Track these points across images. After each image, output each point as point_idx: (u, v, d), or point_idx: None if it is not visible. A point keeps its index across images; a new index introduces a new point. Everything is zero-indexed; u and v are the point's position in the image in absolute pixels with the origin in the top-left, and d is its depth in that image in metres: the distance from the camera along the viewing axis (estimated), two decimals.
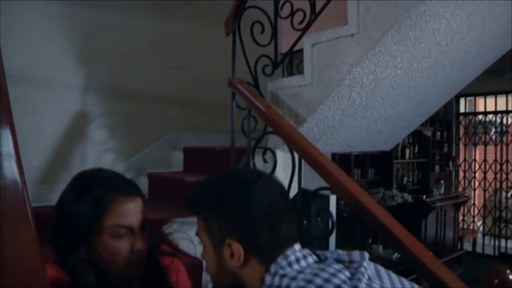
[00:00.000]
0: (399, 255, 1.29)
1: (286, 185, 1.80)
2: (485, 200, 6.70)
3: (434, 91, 2.50)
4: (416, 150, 6.66)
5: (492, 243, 6.37)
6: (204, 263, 1.02)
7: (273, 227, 0.90)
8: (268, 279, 0.86)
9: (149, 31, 2.96)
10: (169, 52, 3.07)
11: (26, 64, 2.41)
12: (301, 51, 2.10)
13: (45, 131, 2.54)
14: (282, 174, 2.14)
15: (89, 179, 1.00)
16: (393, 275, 0.94)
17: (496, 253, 6.22)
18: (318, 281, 0.79)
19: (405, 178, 6.37)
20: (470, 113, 7.03)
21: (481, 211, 6.69)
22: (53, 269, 0.96)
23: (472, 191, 6.84)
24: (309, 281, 0.79)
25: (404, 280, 0.95)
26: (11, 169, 0.76)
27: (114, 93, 2.81)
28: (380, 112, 2.34)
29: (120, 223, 0.96)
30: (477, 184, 6.76)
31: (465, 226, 6.85)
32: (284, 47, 2.31)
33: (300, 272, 0.84)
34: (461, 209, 6.46)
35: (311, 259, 0.89)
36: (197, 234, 0.97)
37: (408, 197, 4.98)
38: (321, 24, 2.03)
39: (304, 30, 2.01)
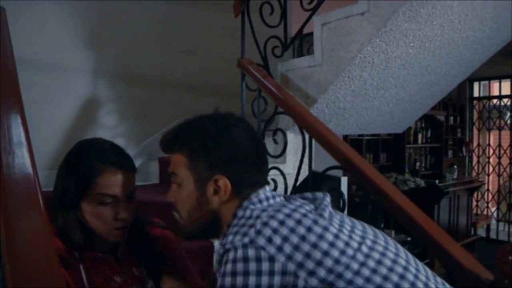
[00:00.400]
0: (412, 234, 1.28)
1: (296, 167, 1.80)
2: (499, 185, 6.61)
3: (447, 71, 2.45)
4: (429, 135, 6.57)
5: (506, 229, 6.31)
6: (183, 217, 1.00)
7: (256, 165, 0.99)
8: (240, 212, 0.92)
9: (159, 16, 2.95)
10: (179, 37, 3.05)
11: (36, 50, 2.41)
12: (311, 34, 2.08)
13: (56, 116, 2.55)
14: (293, 156, 2.13)
15: (84, 148, 1.08)
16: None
17: (511, 239, 6.15)
18: (286, 210, 0.85)
19: (418, 163, 6.30)
20: (484, 97, 6.92)
21: (495, 197, 6.61)
22: (57, 240, 1.03)
23: (486, 177, 6.75)
24: (278, 211, 0.85)
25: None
26: (22, 157, 0.77)
27: (124, 78, 2.81)
28: (391, 93, 2.31)
29: (106, 192, 1.02)
30: (491, 169, 6.67)
31: (479, 212, 6.79)
32: (293, 28, 2.28)
33: (269, 206, 0.91)
34: (475, 195, 6.39)
35: (279, 198, 0.97)
36: (170, 173, 1.00)
37: (421, 182, 4.94)
38: (331, 3, 2.00)
39: (314, 10, 1.98)
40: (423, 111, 2.87)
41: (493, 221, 6.54)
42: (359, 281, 0.79)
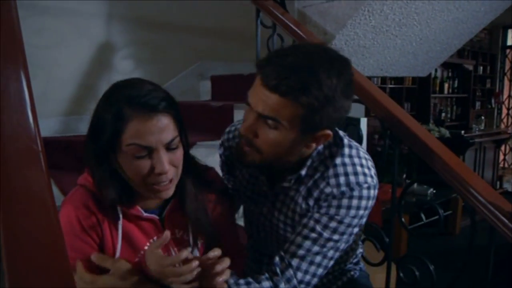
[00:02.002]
0: (434, 168, 1.23)
1: None
2: None
3: (477, 7, 2.30)
4: (456, 84, 6.32)
5: None
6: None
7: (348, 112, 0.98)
8: (338, 159, 1.00)
9: None
10: None
11: None
12: None
13: (71, 62, 2.53)
14: None
15: (113, 90, 0.91)
16: None
17: None
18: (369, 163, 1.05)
19: (443, 114, 6.11)
20: None
21: None
22: (90, 176, 0.95)
23: None
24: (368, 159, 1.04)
25: None
26: (22, 112, 0.73)
27: (140, 22, 2.75)
28: (415, 30, 2.19)
29: (137, 143, 0.86)
30: None
31: (506, 165, 6.62)
32: None
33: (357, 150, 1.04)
34: (502, 148, 6.21)
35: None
36: (263, 115, 0.91)
37: (446, 132, 4.80)
38: None
39: None
40: (449, 52, 2.73)
41: None
42: None
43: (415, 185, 4.24)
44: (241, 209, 1.33)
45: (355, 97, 1.42)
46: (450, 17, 2.24)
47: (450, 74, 6.23)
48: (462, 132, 5.23)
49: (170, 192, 0.94)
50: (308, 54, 0.91)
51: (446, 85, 6.10)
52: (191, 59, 3.00)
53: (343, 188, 0.96)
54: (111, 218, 0.94)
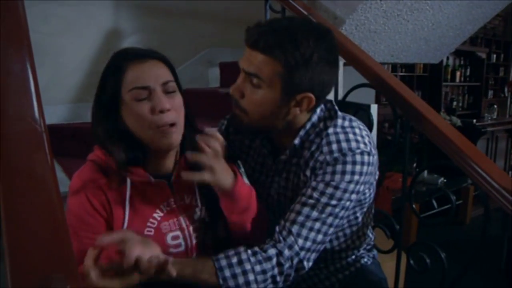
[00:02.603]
0: (446, 153, 1.21)
1: None
2: None
3: None
4: (468, 73, 6.22)
5: None
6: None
7: (333, 82, 1.04)
8: (331, 128, 1.04)
9: None
10: None
11: None
12: None
13: (79, 49, 2.52)
14: None
15: (114, 54, 1.00)
16: None
17: None
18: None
19: (454, 103, 6.03)
20: None
21: None
22: (99, 151, 0.99)
23: None
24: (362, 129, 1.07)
25: None
26: (25, 92, 0.71)
27: (148, 9, 2.73)
28: (427, 15, 2.14)
29: (135, 85, 0.93)
30: None
31: None
32: None
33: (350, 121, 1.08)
34: None
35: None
36: (248, 72, 0.97)
37: (457, 121, 4.74)
38: None
39: None
40: (462, 38, 2.67)
41: None
42: None
43: (426, 174, 4.20)
44: None
45: (365, 81, 1.41)
46: (464, 1, 2.19)
47: (462, 62, 6.13)
48: (474, 121, 5.15)
49: (175, 137, 0.97)
50: (291, 20, 1.00)
51: (458, 73, 6.01)
52: (200, 46, 2.98)
53: (336, 154, 0.99)
54: (118, 188, 0.97)
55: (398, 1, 1.90)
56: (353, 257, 1.23)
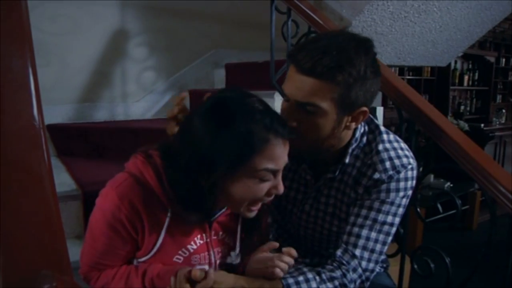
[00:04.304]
0: (453, 157, 1.20)
1: None
2: None
3: None
4: (476, 77, 6.16)
5: None
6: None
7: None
8: (380, 145, 1.04)
9: None
10: None
11: None
12: None
13: (85, 49, 2.52)
14: None
15: (236, 110, 0.82)
16: None
17: None
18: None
19: (462, 107, 5.98)
20: None
21: None
22: (143, 165, 0.89)
23: None
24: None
25: None
26: (25, 88, 0.71)
27: (154, 9, 2.73)
28: (435, 17, 2.12)
29: (270, 168, 0.84)
30: None
31: None
32: None
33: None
34: None
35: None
36: (302, 102, 0.94)
37: (464, 125, 4.70)
38: None
39: None
40: (470, 41, 2.64)
41: None
42: None
43: (432, 179, 4.17)
44: None
45: None
46: (472, 4, 2.16)
47: (470, 66, 6.08)
48: (482, 125, 5.11)
49: (255, 213, 0.93)
50: (335, 37, 0.95)
51: (466, 77, 5.96)
52: (206, 47, 2.97)
53: (390, 172, 1.01)
54: (157, 217, 0.89)
55: (405, 2, 1.88)
56: None
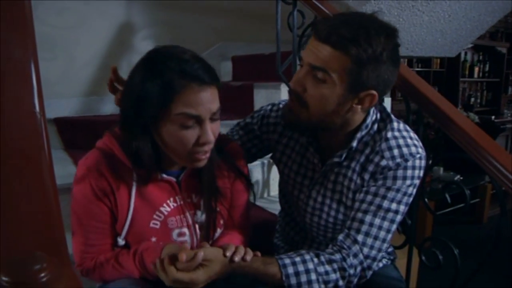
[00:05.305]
0: (461, 147, 1.18)
1: None
2: None
3: None
4: (487, 68, 6.09)
5: None
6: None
7: (394, 83, 1.00)
8: (389, 132, 1.03)
9: None
10: None
11: None
12: None
13: (92, 43, 2.53)
14: None
15: (162, 58, 0.89)
16: None
17: None
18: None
19: (472, 99, 5.91)
20: None
21: None
22: (108, 139, 0.98)
23: None
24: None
25: None
26: (26, 76, 0.70)
27: (160, 3, 2.72)
28: (443, 6, 2.08)
29: (188, 112, 0.87)
30: None
31: None
32: None
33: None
34: None
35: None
36: (313, 66, 0.95)
37: (475, 117, 4.64)
38: None
39: None
40: (480, 31, 2.60)
41: None
42: None
43: (442, 171, 4.12)
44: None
45: None
46: None
47: (481, 58, 6.00)
48: (493, 117, 5.05)
49: (204, 162, 0.96)
50: (362, 15, 0.96)
51: (476, 69, 5.89)
52: (212, 40, 2.96)
53: (398, 160, 1.00)
54: (125, 181, 0.96)
55: None
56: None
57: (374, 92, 0.96)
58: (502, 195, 1.15)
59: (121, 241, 0.99)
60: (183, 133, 0.89)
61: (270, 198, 2.02)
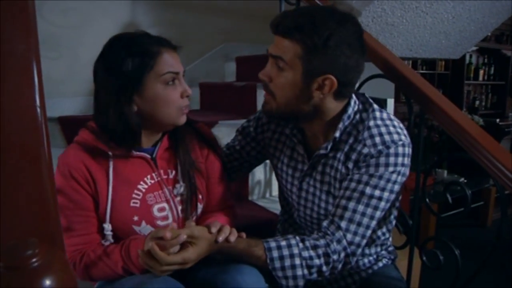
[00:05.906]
0: (463, 147, 1.18)
1: None
2: None
3: None
4: (492, 71, 6.06)
5: None
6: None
7: (360, 66, 1.02)
8: (371, 120, 1.04)
9: None
10: None
11: None
12: None
13: (96, 42, 2.52)
14: None
15: (130, 37, 1.05)
16: None
17: None
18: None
19: (477, 102, 5.88)
20: None
21: None
22: (84, 133, 1.06)
23: None
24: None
25: None
26: (27, 70, 0.71)
27: (165, 3, 2.74)
28: (447, 7, 2.08)
29: (172, 70, 1.01)
30: None
31: None
32: None
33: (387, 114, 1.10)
34: None
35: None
36: (274, 55, 1.01)
37: (479, 120, 4.61)
38: None
39: None
40: (484, 32, 2.59)
41: None
42: None
43: (445, 174, 4.10)
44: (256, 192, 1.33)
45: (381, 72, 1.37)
46: None
47: (486, 60, 5.98)
48: (497, 120, 5.02)
49: (185, 118, 1.08)
50: (314, 7, 1.04)
51: (481, 72, 5.86)
52: (216, 40, 2.97)
53: (380, 147, 1.01)
54: (101, 166, 1.03)
55: None
56: (376, 255, 1.22)
57: (331, 76, 0.98)
58: (503, 196, 1.14)
59: (107, 227, 1.03)
60: (169, 90, 1.01)
61: (272, 198, 2.02)
